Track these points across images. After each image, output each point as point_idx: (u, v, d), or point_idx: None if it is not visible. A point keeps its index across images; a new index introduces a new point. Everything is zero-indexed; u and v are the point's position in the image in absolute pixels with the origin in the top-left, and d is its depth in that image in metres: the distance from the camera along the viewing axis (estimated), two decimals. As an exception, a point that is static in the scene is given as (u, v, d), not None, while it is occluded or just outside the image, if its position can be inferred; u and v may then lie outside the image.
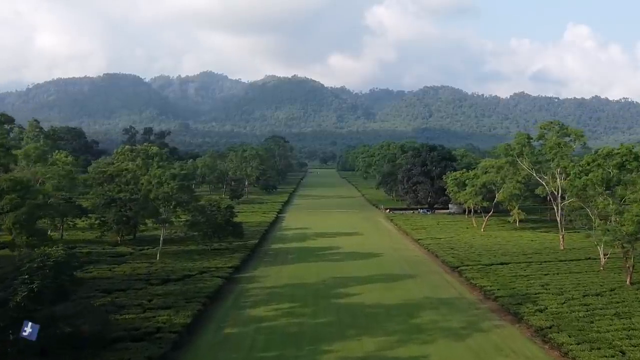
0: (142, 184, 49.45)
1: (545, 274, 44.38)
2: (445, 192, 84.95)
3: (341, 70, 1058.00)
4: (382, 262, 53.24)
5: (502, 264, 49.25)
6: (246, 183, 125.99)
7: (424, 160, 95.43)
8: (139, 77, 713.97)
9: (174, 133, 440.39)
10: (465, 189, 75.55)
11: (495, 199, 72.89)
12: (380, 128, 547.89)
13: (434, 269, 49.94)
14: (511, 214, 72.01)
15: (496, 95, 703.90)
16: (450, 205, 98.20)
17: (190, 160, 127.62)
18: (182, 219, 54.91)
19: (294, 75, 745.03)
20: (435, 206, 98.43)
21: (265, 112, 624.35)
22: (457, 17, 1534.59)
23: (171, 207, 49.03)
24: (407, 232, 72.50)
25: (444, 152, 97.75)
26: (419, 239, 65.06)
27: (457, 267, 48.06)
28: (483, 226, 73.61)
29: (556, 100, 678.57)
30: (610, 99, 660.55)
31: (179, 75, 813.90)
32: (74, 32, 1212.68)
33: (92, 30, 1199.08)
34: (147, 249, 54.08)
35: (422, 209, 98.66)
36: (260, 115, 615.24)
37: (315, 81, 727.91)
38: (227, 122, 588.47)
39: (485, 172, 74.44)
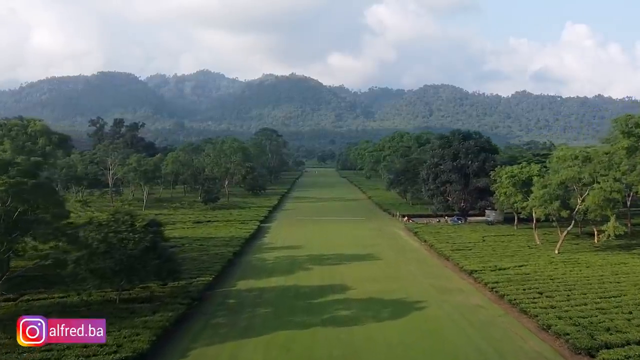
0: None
1: None
2: (494, 195, 60.81)
3: (340, 69, 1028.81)
4: (428, 326, 29.16)
5: (666, 338, 25.34)
6: (226, 183, 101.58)
7: (456, 152, 71.16)
8: (134, 75, 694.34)
9: (169, 132, 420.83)
10: (532, 191, 51.34)
11: (578, 206, 48.64)
12: (379, 127, 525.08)
13: (535, 347, 25.80)
14: (604, 227, 47.66)
15: (497, 94, 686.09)
16: (487, 212, 74.01)
17: (159, 154, 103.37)
18: (43, 250, 30.23)
19: (292, 73, 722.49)
20: (469, 213, 74.51)
21: (262, 111, 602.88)
22: (457, 15, 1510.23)
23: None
24: (446, 255, 48.29)
25: (482, 141, 73.12)
26: (472, 271, 40.80)
27: (589, 349, 24.10)
28: (558, 246, 49.53)
29: (558, 99, 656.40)
30: (614, 97, 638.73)
31: (175, 74, 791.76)
32: (70, 30, 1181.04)
33: (88, 28, 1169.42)
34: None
35: (450, 216, 74.64)
36: (258, 114, 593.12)
37: (314, 80, 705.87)
38: (223, 121, 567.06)
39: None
